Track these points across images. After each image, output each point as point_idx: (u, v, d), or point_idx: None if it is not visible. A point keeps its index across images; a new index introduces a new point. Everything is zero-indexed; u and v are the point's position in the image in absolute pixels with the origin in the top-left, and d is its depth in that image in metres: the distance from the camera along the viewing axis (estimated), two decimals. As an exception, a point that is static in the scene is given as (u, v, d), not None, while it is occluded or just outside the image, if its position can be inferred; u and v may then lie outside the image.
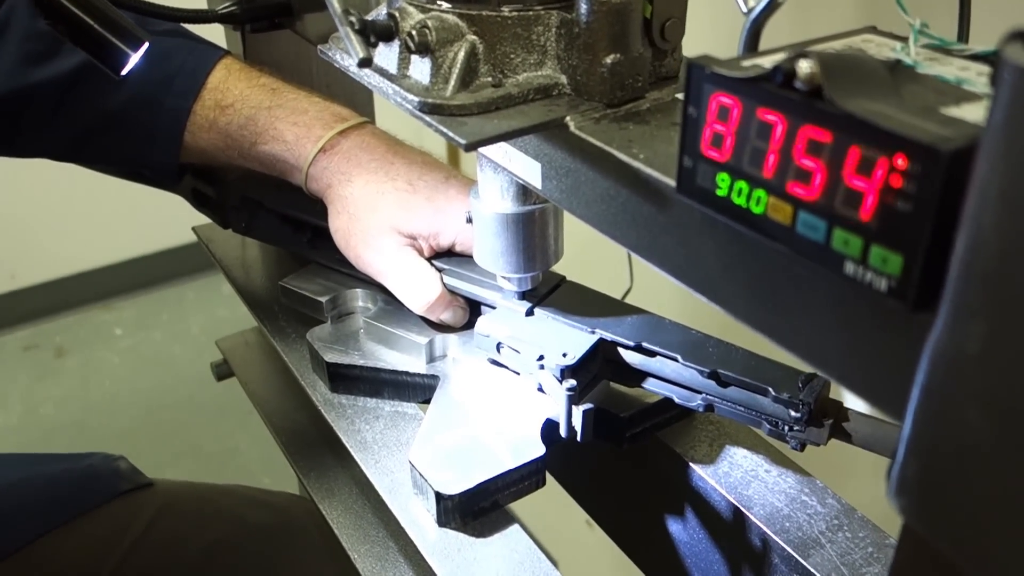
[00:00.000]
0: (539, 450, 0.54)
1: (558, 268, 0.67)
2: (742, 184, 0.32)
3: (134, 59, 0.56)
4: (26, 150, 0.74)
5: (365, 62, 0.44)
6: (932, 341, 0.25)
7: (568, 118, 0.43)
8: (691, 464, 0.57)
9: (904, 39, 0.35)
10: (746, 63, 0.32)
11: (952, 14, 0.48)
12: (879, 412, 0.32)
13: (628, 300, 0.68)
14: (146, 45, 0.56)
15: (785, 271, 0.32)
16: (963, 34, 0.47)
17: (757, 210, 0.32)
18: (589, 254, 0.88)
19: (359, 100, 0.87)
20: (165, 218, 0.90)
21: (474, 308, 0.65)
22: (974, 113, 0.28)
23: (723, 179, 0.33)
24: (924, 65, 0.31)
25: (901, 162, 0.26)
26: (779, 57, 0.31)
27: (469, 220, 0.58)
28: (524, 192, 0.55)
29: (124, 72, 0.56)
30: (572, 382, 0.53)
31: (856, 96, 0.28)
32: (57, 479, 0.86)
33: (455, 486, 0.51)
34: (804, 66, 0.28)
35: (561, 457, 0.68)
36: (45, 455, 0.91)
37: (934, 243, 0.26)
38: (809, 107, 0.29)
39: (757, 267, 0.34)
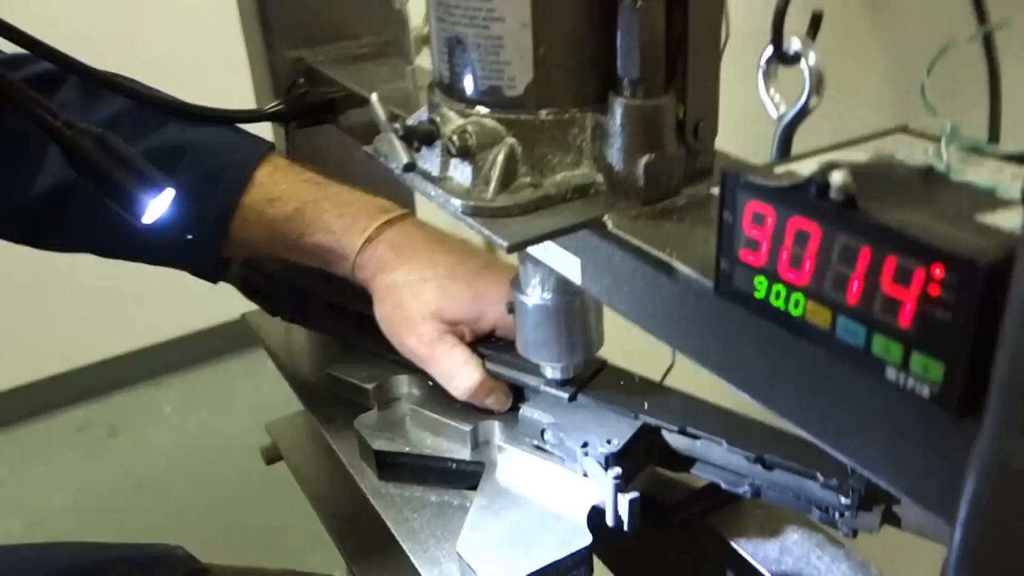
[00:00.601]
0: (586, 539, 0.54)
1: (604, 346, 0.68)
2: (780, 287, 0.33)
3: (156, 205, 0.56)
4: (72, 245, 0.76)
5: (410, 167, 0.46)
6: (978, 454, 0.25)
7: (606, 216, 0.44)
8: (740, 550, 0.56)
9: (935, 139, 0.35)
10: (779, 170, 0.33)
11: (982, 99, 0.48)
12: (937, 514, 0.32)
13: (671, 376, 0.68)
14: (170, 192, 0.56)
15: (827, 374, 0.33)
16: (995, 127, 0.47)
17: (796, 313, 0.32)
18: (632, 328, 0.88)
19: (401, 193, 0.89)
20: (210, 295, 0.93)
21: (518, 392, 0.66)
22: (1010, 220, 0.28)
23: (761, 282, 0.33)
24: (957, 170, 0.32)
25: (938, 272, 0.27)
26: (812, 165, 0.32)
27: (511, 310, 0.59)
28: (564, 283, 0.56)
29: (146, 220, 0.56)
30: (617, 470, 0.54)
31: (890, 205, 0.29)
32: (117, 566, 0.87)
33: (503, 578, 0.51)
34: (837, 178, 0.29)
35: (611, 543, 0.68)
36: (106, 544, 0.92)
37: (975, 351, 0.26)
38: (844, 218, 0.29)
39: (799, 368, 0.34)
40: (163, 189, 0.54)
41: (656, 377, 0.65)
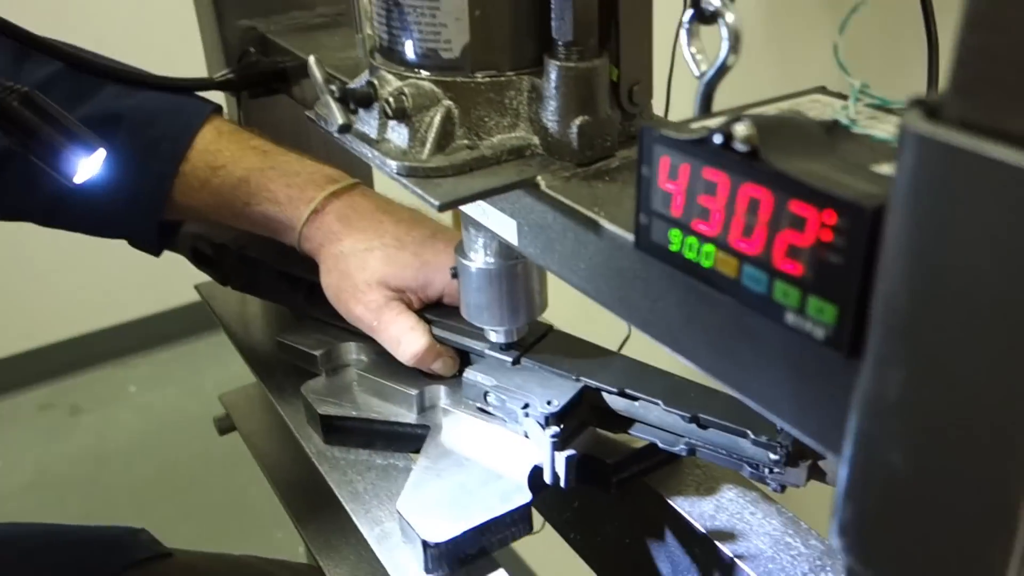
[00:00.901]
0: (525, 496, 0.55)
1: (561, 315, 0.69)
2: (692, 239, 0.34)
3: (87, 165, 0.55)
4: (9, 212, 0.74)
5: (345, 128, 0.47)
6: (858, 388, 0.26)
7: (539, 177, 0.45)
8: (677, 507, 0.58)
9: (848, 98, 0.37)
10: (695, 125, 0.34)
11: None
12: (834, 456, 0.33)
13: (627, 347, 0.70)
14: (101, 152, 0.55)
15: (737, 322, 0.34)
16: (932, 86, 0.49)
17: (707, 264, 0.33)
18: (587, 303, 0.89)
19: (356, 161, 0.89)
20: (179, 275, 0.92)
21: (464, 357, 0.67)
22: (900, 169, 0.30)
23: (675, 235, 0.34)
24: (861, 124, 0.33)
25: (830, 218, 0.28)
26: (722, 120, 0.33)
27: (454, 275, 0.60)
28: (506, 248, 0.57)
29: (78, 179, 0.55)
30: (555, 429, 0.55)
31: (792, 156, 0.30)
32: (77, 548, 0.87)
33: (441, 533, 0.52)
34: (741, 129, 0.30)
35: (555, 503, 0.70)
36: (66, 527, 0.92)
37: (864, 294, 0.27)
38: (747, 167, 0.30)
39: (713, 319, 0.35)
40: (95, 149, 0.54)
41: (612, 348, 0.67)
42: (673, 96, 0.85)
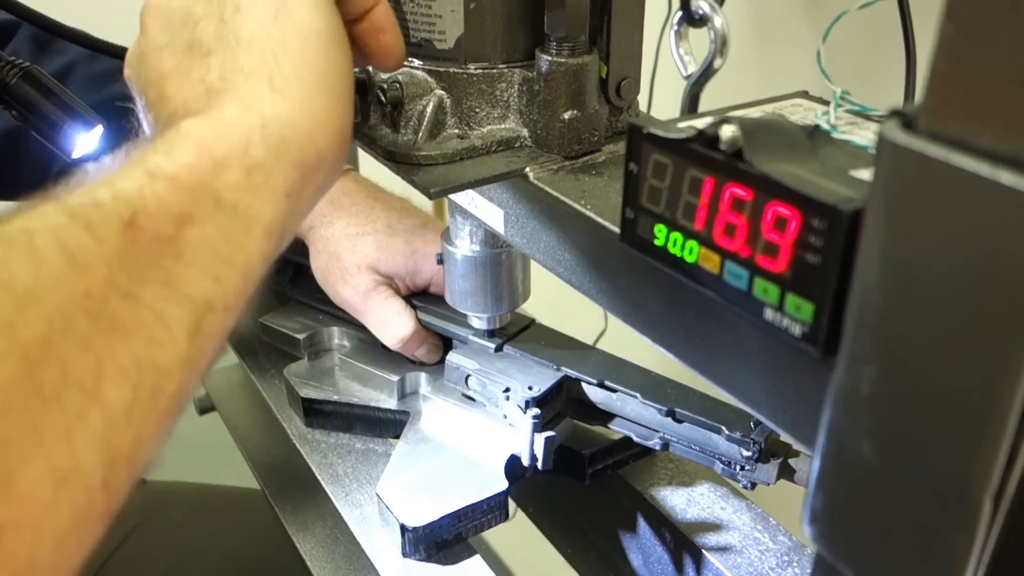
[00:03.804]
0: (502, 485, 0.56)
1: (539, 309, 0.70)
2: (677, 235, 0.35)
3: (85, 141, 0.56)
4: (23, 191, 0.76)
5: (338, 114, 0.47)
6: (833, 383, 0.27)
7: (528, 169, 0.46)
8: (649, 500, 0.59)
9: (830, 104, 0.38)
10: (682, 125, 0.35)
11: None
12: (807, 449, 0.35)
13: (602, 342, 0.71)
14: (100, 128, 0.56)
15: (717, 316, 0.35)
16: (909, 95, 0.50)
17: (690, 259, 0.34)
18: (567, 297, 0.90)
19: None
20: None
21: (447, 346, 0.67)
22: (879, 175, 0.31)
23: (660, 230, 0.35)
24: (841, 130, 0.34)
25: (809, 219, 0.29)
26: (709, 120, 0.34)
27: (440, 261, 0.61)
28: (491, 237, 0.58)
29: (75, 154, 0.56)
30: (536, 410, 0.56)
31: (774, 159, 0.31)
32: None
33: (419, 518, 0.53)
34: (727, 130, 0.31)
35: (530, 493, 0.70)
36: None
37: (840, 294, 0.28)
38: (732, 167, 0.31)
39: (693, 312, 0.36)
40: (93, 125, 0.55)
41: (588, 342, 0.68)
42: (656, 90, 0.86)
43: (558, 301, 0.82)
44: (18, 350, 0.27)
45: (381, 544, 0.55)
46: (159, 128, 0.37)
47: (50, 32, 0.53)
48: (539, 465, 0.56)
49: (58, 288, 0.28)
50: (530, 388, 0.57)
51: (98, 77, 0.71)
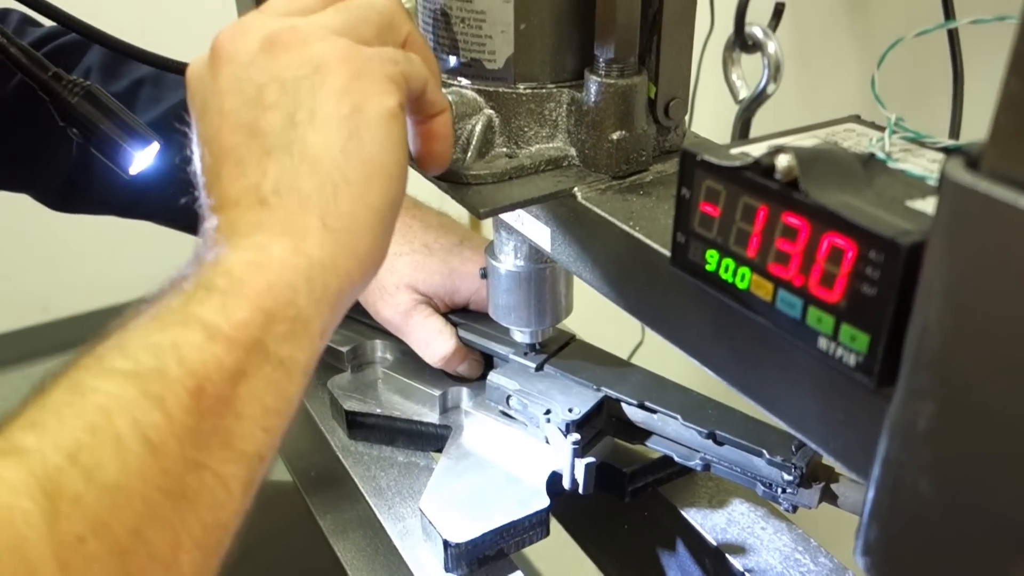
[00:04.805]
0: (543, 502, 0.56)
1: (577, 320, 0.70)
2: (729, 261, 0.35)
3: (142, 158, 0.57)
4: (95, 207, 0.79)
5: (389, 133, 0.48)
6: (890, 416, 0.27)
7: (576, 189, 0.46)
8: (689, 519, 0.59)
9: (883, 129, 0.38)
10: (734, 151, 0.35)
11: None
12: (857, 476, 0.34)
13: (639, 353, 0.71)
14: (156, 145, 0.57)
15: (767, 342, 0.35)
16: (956, 122, 0.50)
17: (742, 286, 0.34)
18: (605, 308, 0.91)
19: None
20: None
21: (488, 361, 0.68)
22: (935, 206, 0.31)
23: (712, 255, 0.35)
24: (895, 159, 0.34)
25: (866, 251, 0.29)
26: (764, 147, 0.34)
27: (483, 275, 0.61)
28: (535, 252, 0.58)
29: (132, 171, 0.57)
30: (576, 436, 0.56)
31: (829, 188, 0.31)
32: None
33: (462, 534, 0.53)
34: (783, 160, 0.31)
35: (571, 509, 0.71)
36: None
37: (896, 326, 0.28)
38: (787, 197, 0.31)
39: (742, 336, 0.36)
40: (149, 142, 0.56)
41: (625, 354, 0.68)
42: (695, 106, 0.86)
43: (596, 312, 0.82)
44: (115, 548, 0.29)
45: (424, 558, 0.56)
46: (209, 222, 0.37)
47: (116, 52, 0.55)
48: (580, 490, 0.56)
49: (141, 476, 0.30)
50: (570, 410, 0.58)
51: (163, 91, 0.73)
